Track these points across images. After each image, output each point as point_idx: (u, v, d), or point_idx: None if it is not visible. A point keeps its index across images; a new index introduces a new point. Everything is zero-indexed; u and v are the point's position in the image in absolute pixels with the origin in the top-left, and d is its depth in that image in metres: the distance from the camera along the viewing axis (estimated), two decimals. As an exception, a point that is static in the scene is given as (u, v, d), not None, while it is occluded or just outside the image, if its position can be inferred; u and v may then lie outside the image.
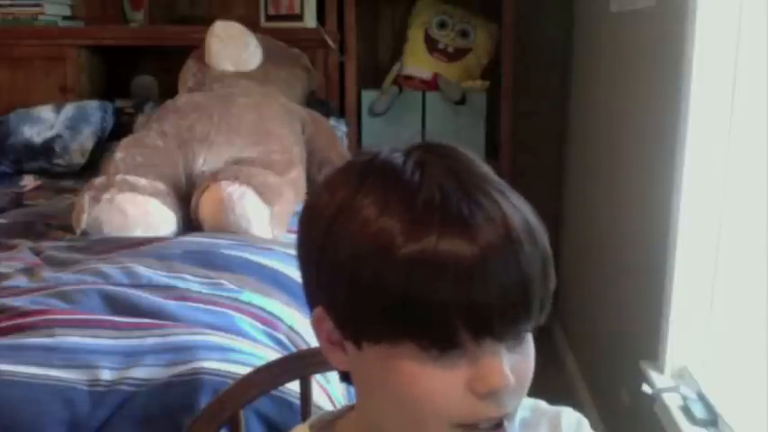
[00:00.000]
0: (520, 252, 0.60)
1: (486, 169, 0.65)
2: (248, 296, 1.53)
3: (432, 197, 0.60)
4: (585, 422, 0.78)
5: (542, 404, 0.78)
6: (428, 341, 0.60)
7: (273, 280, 1.63)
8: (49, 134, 2.74)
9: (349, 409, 0.76)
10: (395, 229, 0.59)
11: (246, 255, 1.72)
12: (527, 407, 0.77)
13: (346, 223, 0.62)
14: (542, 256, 0.62)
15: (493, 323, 0.60)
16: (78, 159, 2.74)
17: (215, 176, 1.98)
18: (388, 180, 0.62)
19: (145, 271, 1.59)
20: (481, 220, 0.60)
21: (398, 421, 0.65)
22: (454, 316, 0.59)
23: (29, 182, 2.63)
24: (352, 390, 0.72)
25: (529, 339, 0.65)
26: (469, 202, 0.60)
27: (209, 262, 1.67)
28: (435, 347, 0.60)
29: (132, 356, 1.27)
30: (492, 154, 3.10)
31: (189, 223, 2.01)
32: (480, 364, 0.61)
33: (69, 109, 2.80)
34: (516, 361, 0.63)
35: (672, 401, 1.51)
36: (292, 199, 2.07)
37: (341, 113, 3.03)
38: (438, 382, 0.61)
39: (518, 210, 0.62)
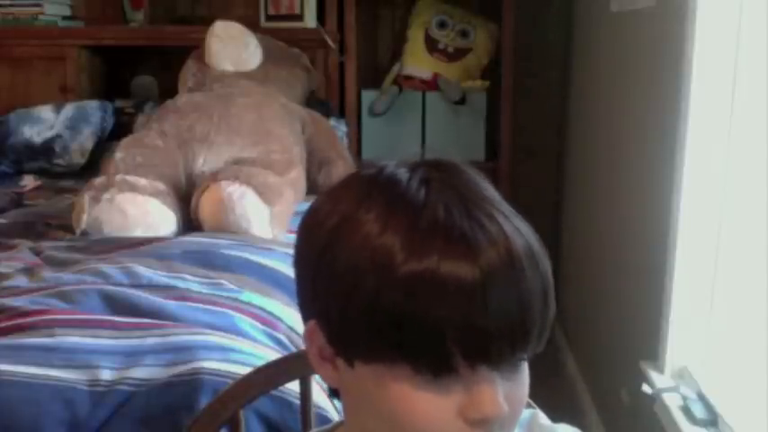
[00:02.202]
0: (521, 276, 0.60)
1: (491, 191, 0.65)
2: (248, 296, 1.53)
3: (436, 216, 0.60)
4: None
5: (540, 417, 0.77)
6: (423, 364, 0.59)
7: (273, 280, 1.63)
8: (49, 134, 2.74)
9: (338, 424, 0.75)
10: (396, 245, 0.59)
11: (246, 255, 1.72)
12: (523, 419, 0.75)
13: (347, 235, 0.61)
14: (543, 281, 0.61)
15: (489, 348, 0.59)
16: (78, 159, 2.74)
17: (215, 176, 1.98)
18: (392, 196, 0.62)
19: (145, 271, 1.60)
20: (484, 243, 0.59)
21: None
22: (451, 338, 0.58)
23: (29, 182, 2.63)
24: None
25: (524, 367, 0.64)
26: (473, 223, 0.60)
27: (209, 262, 1.67)
28: (430, 371, 0.59)
29: (132, 356, 1.27)
30: (491, 154, 3.11)
31: (189, 223, 2.01)
32: (474, 392, 0.60)
33: (69, 109, 2.80)
34: (511, 389, 0.62)
35: (672, 401, 1.51)
36: (292, 199, 2.07)
37: (341, 113, 3.02)
38: (430, 405, 0.60)
39: (521, 234, 0.61)
